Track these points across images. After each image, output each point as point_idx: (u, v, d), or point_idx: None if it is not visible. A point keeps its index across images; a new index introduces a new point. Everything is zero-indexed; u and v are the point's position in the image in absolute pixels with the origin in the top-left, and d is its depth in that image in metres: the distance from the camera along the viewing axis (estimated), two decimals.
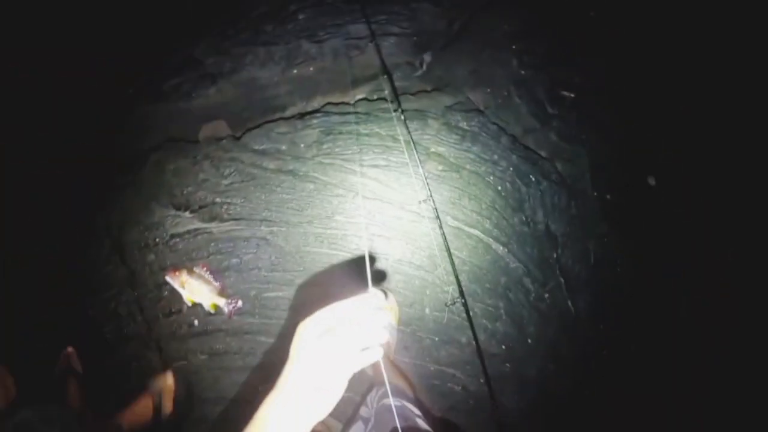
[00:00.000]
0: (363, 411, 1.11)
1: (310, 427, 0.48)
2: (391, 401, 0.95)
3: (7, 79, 1.41)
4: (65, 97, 1.46)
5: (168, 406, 1.25)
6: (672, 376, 1.42)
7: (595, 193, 1.55)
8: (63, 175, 1.42)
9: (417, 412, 0.95)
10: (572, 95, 1.61)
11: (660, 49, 1.57)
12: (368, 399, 1.12)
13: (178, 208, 1.34)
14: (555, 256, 1.45)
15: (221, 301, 1.23)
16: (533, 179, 1.44)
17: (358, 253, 1.30)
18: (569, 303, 1.47)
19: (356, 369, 0.47)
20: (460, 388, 1.34)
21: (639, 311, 1.48)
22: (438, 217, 1.29)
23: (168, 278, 1.24)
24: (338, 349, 0.47)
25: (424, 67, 1.52)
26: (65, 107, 1.47)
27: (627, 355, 1.46)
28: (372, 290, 0.50)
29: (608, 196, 1.57)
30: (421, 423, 0.89)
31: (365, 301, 0.48)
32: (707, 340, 1.41)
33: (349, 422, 1.13)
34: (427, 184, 1.28)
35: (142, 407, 1.20)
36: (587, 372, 1.45)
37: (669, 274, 1.50)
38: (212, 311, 1.26)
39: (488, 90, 1.49)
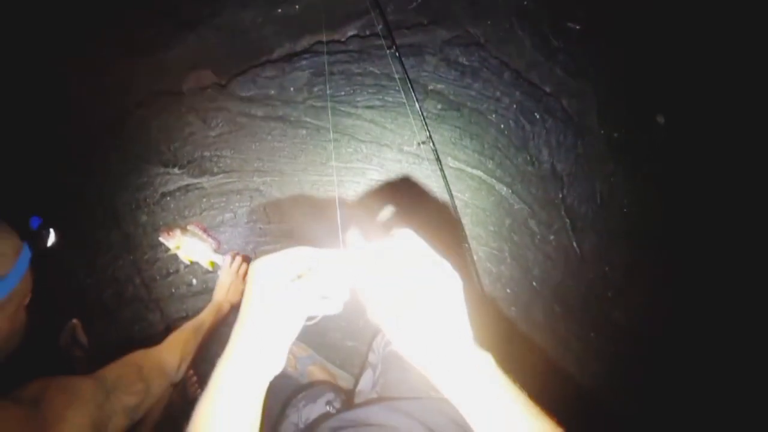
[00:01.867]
0: (371, 357, 1.10)
1: (267, 382, 0.44)
2: None
3: None
4: (34, 64, 1.37)
5: (194, 391, 1.25)
6: (675, 319, 1.41)
7: (602, 131, 1.48)
8: (46, 146, 1.36)
9: None
10: (578, 27, 1.50)
11: None
12: (374, 345, 1.11)
13: (166, 166, 1.28)
14: (560, 196, 1.40)
15: (218, 258, 1.20)
16: (537, 116, 1.37)
17: (356, 199, 1.25)
18: (574, 244, 1.44)
19: (309, 321, 0.44)
20: None
21: (644, 254, 1.45)
22: (438, 158, 1.23)
23: (161, 239, 1.20)
24: (301, 299, 0.43)
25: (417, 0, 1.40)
26: (36, 75, 1.38)
27: (632, 297, 1.44)
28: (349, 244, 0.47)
29: (616, 134, 1.50)
30: None
31: (334, 254, 0.45)
32: (712, 286, 1.38)
33: (361, 371, 1.13)
34: (426, 124, 1.22)
35: (166, 398, 1.20)
36: (592, 314, 1.44)
37: (676, 215, 1.45)
38: (210, 269, 1.23)
39: (489, 22, 1.38)
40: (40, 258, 0.74)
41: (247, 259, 1.22)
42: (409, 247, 0.43)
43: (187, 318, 1.31)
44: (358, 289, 0.45)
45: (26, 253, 0.71)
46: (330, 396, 0.96)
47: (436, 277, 0.42)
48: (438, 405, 0.74)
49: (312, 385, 1.28)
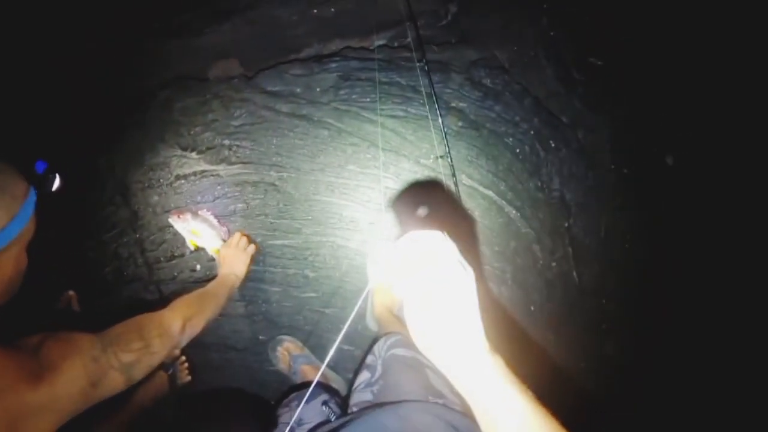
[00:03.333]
0: (369, 359, 1.10)
1: None
2: (403, 352, 0.93)
3: (8, 17, 1.32)
4: (71, 34, 1.38)
5: (184, 376, 1.24)
6: (671, 354, 1.43)
7: (613, 166, 1.51)
8: (65, 114, 1.36)
9: (427, 362, 0.94)
10: (600, 63, 1.54)
11: (698, 37, 1.49)
12: (375, 348, 1.11)
13: (184, 149, 1.29)
14: (566, 225, 1.43)
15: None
16: (552, 145, 1.40)
17: (369, 205, 1.26)
18: (574, 274, 1.46)
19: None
20: None
21: (643, 289, 1.47)
22: (454, 174, 1.26)
23: (171, 220, 1.21)
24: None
25: (449, 17, 1.44)
26: (71, 43, 1.38)
27: (625, 331, 1.46)
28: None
29: (625, 170, 1.53)
30: (431, 374, 0.88)
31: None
32: (712, 326, 1.41)
33: (356, 373, 1.13)
34: (446, 139, 1.24)
35: (157, 385, 1.19)
36: (584, 345, 1.45)
37: (678, 254, 1.48)
38: (215, 257, 1.23)
39: (515, 48, 1.42)
40: (44, 201, 0.74)
41: (249, 238, 1.22)
42: (434, 246, 0.44)
43: None
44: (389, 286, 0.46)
45: (32, 196, 0.72)
46: (325, 396, 0.95)
47: (456, 275, 0.43)
48: (437, 410, 0.74)
49: (305, 385, 1.28)
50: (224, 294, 1.08)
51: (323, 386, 1.25)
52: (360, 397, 0.97)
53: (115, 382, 0.73)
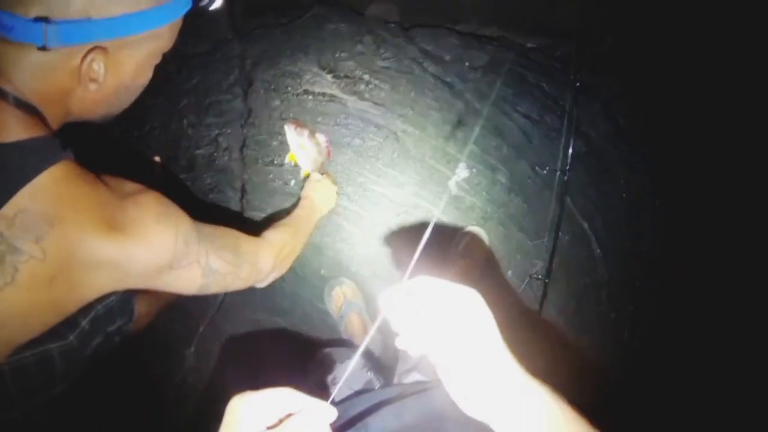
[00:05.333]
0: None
1: None
2: None
3: None
4: None
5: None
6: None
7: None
8: None
9: None
10: None
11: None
12: None
13: (323, 68, 1.29)
14: (638, 284, 1.43)
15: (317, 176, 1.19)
16: (657, 203, 1.40)
17: (477, 189, 1.27)
18: (626, 333, 1.46)
19: None
20: None
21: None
22: (565, 193, 1.26)
23: (287, 127, 1.19)
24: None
25: (604, 48, 1.45)
26: None
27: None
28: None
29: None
30: None
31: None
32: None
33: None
34: (570, 155, 1.25)
35: None
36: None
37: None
38: (302, 178, 1.22)
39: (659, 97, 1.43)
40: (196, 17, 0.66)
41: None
42: (427, 288, 0.40)
43: (264, 213, 1.30)
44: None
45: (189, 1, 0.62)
46: (365, 360, 0.89)
47: (461, 307, 0.39)
48: None
49: (341, 342, 1.25)
50: (312, 229, 1.02)
51: (363, 350, 1.23)
52: (408, 362, 0.95)
53: (191, 279, 0.65)
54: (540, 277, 1.29)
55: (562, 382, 0.41)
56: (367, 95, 1.27)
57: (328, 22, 1.33)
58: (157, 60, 0.66)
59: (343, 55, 1.29)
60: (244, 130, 1.32)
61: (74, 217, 0.53)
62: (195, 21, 0.68)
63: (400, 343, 0.41)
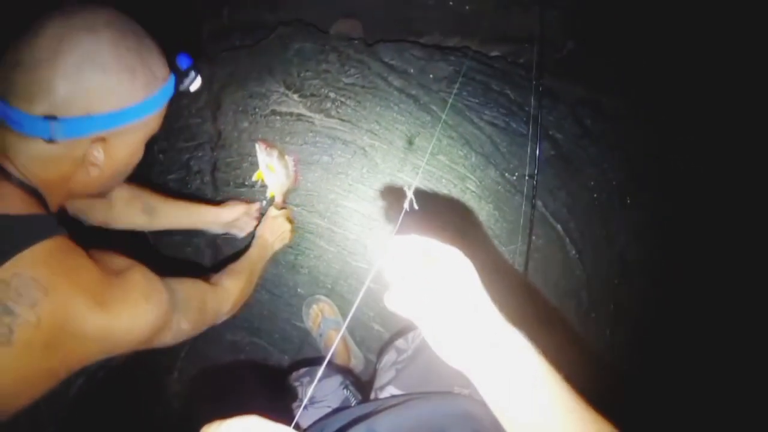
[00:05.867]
0: (399, 343, 1.09)
1: None
2: None
3: None
4: None
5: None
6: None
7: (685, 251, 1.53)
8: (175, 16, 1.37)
9: None
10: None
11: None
12: (410, 335, 1.10)
13: (288, 88, 1.31)
14: (616, 282, 1.44)
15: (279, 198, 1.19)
16: (629, 202, 1.42)
17: (447, 198, 1.28)
18: (607, 332, 1.46)
19: None
20: None
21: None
22: (534, 197, 1.27)
23: (258, 146, 1.18)
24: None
25: (565, 52, 1.48)
26: None
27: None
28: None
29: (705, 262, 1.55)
30: None
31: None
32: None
33: (381, 353, 1.12)
34: (537, 162, 1.26)
35: None
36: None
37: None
38: (267, 199, 1.22)
39: (621, 99, 1.45)
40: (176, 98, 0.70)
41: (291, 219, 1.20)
42: (414, 249, 0.42)
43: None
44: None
45: (171, 84, 0.68)
46: (343, 378, 0.91)
47: (446, 266, 0.40)
48: (464, 403, 0.71)
49: (320, 360, 1.25)
50: (265, 265, 1.07)
51: (340, 367, 1.23)
52: (383, 378, 0.95)
53: (162, 339, 0.69)
54: None
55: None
56: (333, 112, 1.28)
57: (292, 42, 1.35)
58: (148, 139, 0.71)
59: (308, 74, 1.31)
60: (215, 153, 1.33)
61: (67, 289, 0.56)
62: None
63: (388, 301, 0.42)
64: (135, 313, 0.61)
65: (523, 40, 1.42)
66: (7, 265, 0.53)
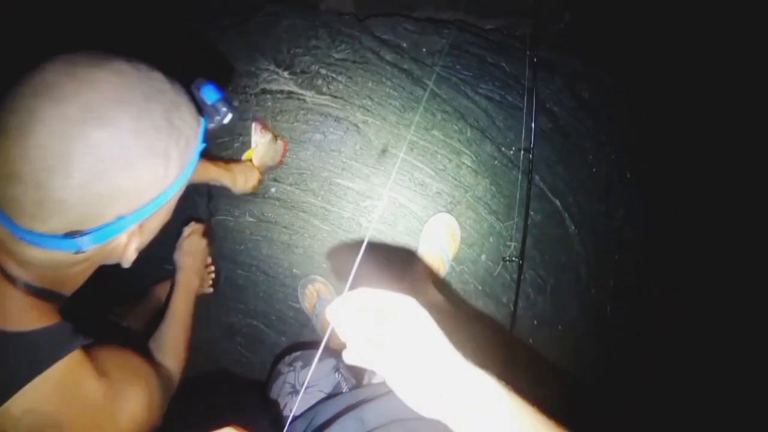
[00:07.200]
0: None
1: None
2: None
3: None
4: None
5: (207, 286, 1.16)
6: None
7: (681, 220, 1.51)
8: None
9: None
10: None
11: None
12: None
13: (278, 65, 1.28)
14: (616, 257, 1.42)
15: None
16: (628, 176, 1.39)
17: (442, 173, 1.26)
18: (608, 308, 1.45)
19: None
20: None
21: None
22: (531, 171, 1.25)
23: (254, 126, 1.15)
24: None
25: (563, 24, 1.44)
26: None
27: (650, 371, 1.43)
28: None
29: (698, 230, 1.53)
30: None
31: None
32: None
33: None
34: (533, 135, 1.23)
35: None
36: (597, 378, 1.44)
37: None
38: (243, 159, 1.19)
39: (620, 70, 1.42)
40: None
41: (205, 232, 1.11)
42: (367, 300, 0.41)
43: (230, 217, 1.28)
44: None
45: (203, 133, 0.55)
46: (335, 361, 0.88)
47: (401, 320, 0.39)
48: None
49: (314, 344, 1.23)
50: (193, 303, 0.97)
51: (333, 350, 1.21)
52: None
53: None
54: (514, 259, 1.28)
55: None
56: (325, 89, 1.26)
57: (282, 19, 1.31)
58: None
59: (298, 51, 1.28)
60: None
61: (82, 422, 0.52)
62: None
63: (347, 358, 0.41)
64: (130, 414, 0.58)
65: (519, 12, 1.38)
66: (20, 396, 0.48)
